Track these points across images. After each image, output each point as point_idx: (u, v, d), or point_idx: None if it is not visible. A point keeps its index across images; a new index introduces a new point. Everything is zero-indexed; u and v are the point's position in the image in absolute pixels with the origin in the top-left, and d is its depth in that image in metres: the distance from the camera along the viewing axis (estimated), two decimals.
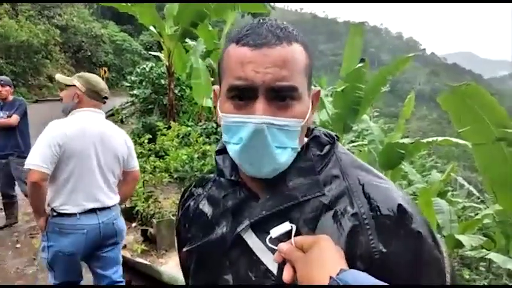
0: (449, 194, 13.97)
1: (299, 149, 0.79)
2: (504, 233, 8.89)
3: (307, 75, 0.77)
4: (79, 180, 2.53)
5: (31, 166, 2.39)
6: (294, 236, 0.70)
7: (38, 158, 2.39)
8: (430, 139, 8.52)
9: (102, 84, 2.75)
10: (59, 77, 2.78)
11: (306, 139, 0.84)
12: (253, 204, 0.80)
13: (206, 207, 0.90)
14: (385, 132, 11.67)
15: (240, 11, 10.48)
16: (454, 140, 7.79)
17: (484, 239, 8.26)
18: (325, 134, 0.85)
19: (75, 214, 2.52)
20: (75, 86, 2.64)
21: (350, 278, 0.58)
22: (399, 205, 0.71)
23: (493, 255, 6.75)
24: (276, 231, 0.72)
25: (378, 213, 0.71)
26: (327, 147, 0.82)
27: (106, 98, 2.79)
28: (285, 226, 0.72)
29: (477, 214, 10.28)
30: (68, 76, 2.89)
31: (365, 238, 0.69)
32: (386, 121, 23.38)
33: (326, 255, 0.64)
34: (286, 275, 0.68)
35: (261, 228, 0.77)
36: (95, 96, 2.69)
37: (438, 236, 0.74)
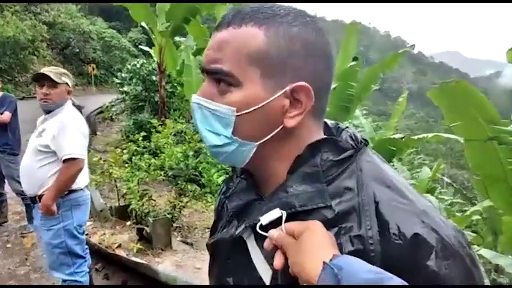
0: (437, 191, 14.15)
1: (241, 141, 0.71)
2: (491, 229, 9.05)
3: (258, 63, 0.67)
4: (85, 162, 2.90)
5: (78, 156, 2.71)
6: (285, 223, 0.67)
7: (81, 148, 2.75)
8: (420, 135, 8.56)
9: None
10: (52, 75, 2.83)
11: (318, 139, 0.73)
12: (258, 207, 0.75)
13: (230, 203, 0.84)
14: (374, 130, 11.74)
15: (232, 5, 10.47)
16: (445, 135, 7.85)
17: (473, 235, 8.38)
18: (351, 137, 0.74)
19: (81, 189, 2.91)
20: (66, 83, 2.86)
21: (343, 263, 0.56)
22: (415, 234, 0.60)
23: (483, 251, 6.85)
24: (266, 218, 0.69)
25: (388, 239, 0.61)
26: (347, 152, 0.70)
27: (76, 85, 3.20)
28: (275, 213, 0.68)
29: (464, 211, 10.41)
30: None
31: None
32: (375, 119, 23.53)
33: (317, 241, 0.61)
34: (277, 262, 0.64)
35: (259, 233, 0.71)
36: (72, 90, 3.02)
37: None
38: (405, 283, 0.54)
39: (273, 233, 0.66)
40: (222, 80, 0.69)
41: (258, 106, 0.68)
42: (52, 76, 2.78)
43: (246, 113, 0.68)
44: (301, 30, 0.69)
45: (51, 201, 2.69)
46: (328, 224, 0.65)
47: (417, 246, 0.59)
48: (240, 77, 0.67)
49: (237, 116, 0.69)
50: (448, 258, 0.59)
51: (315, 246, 0.61)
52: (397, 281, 0.54)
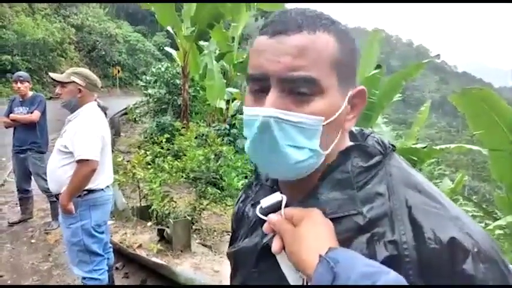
0: (459, 203, 13.79)
1: (322, 153, 0.68)
2: None
3: (335, 69, 0.66)
4: (106, 163, 2.98)
5: (90, 157, 2.72)
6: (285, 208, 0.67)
7: (95, 150, 2.76)
8: (443, 146, 8.41)
9: (95, 76, 3.08)
10: (54, 76, 2.95)
11: (347, 145, 0.74)
12: None
13: (250, 211, 0.84)
14: (394, 139, 11.57)
15: (255, 10, 10.57)
16: (468, 146, 7.69)
17: None
18: (378, 143, 0.74)
19: (102, 189, 2.93)
20: (74, 82, 2.87)
21: (340, 256, 0.56)
22: (452, 238, 0.59)
23: None
24: (266, 201, 0.69)
25: (423, 244, 0.60)
26: (376, 158, 0.70)
27: (102, 87, 3.20)
28: (276, 196, 0.69)
29: (487, 225, 10.10)
30: None
31: (403, 273, 0.57)
32: (394, 127, 23.17)
33: (315, 232, 0.61)
34: (275, 247, 0.65)
35: None
36: (95, 89, 2.99)
37: None
38: (401, 277, 0.54)
39: (272, 217, 0.67)
40: (303, 88, 0.64)
41: (338, 113, 0.67)
42: (54, 77, 2.92)
43: (331, 121, 0.66)
44: (353, 37, 0.71)
45: (65, 201, 2.75)
46: (361, 231, 0.64)
47: (454, 251, 0.59)
48: (324, 84, 0.65)
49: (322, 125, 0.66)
50: (484, 263, 0.59)
51: (311, 237, 0.61)
52: (393, 275, 0.54)
